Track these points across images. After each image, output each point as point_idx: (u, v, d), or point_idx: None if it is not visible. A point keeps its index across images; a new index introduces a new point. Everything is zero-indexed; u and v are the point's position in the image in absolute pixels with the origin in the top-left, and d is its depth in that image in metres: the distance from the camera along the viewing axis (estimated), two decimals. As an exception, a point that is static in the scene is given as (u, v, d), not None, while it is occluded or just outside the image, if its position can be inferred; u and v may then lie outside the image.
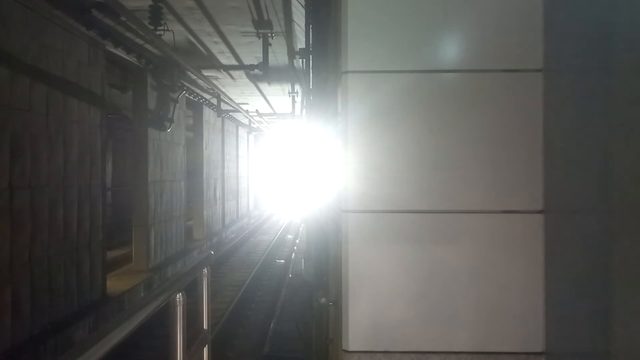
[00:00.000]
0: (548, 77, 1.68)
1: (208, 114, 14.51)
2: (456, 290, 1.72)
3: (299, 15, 6.49)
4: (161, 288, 1.76)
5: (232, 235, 16.94)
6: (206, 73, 9.69)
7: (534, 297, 1.70)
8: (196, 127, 14.10)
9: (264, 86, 12.18)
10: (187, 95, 11.49)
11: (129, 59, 8.08)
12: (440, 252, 1.73)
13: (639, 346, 1.21)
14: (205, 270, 2.34)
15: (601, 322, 1.33)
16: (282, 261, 13.14)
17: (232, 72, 10.20)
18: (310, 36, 4.36)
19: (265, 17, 6.90)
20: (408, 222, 1.73)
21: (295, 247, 14.21)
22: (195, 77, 9.68)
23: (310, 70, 4.84)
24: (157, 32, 6.59)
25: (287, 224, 21.55)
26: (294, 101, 12.66)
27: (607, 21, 1.33)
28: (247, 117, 16.42)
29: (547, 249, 1.68)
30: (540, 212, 1.70)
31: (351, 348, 1.74)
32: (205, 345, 2.29)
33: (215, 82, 11.06)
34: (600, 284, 1.34)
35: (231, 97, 12.84)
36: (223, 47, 8.51)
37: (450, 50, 1.73)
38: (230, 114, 16.21)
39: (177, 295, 1.82)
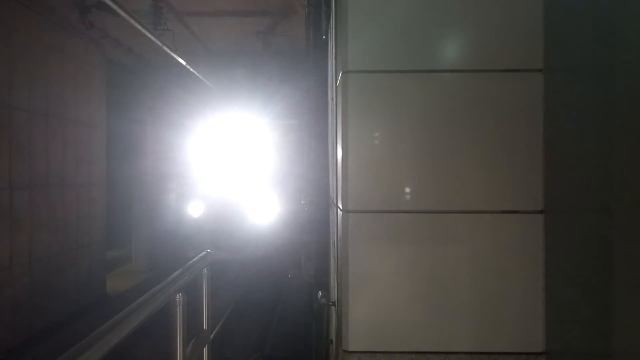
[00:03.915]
0: (548, 77, 1.68)
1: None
2: (456, 290, 1.72)
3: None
4: (161, 288, 1.76)
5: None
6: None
7: (534, 297, 1.70)
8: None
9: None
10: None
11: (128, 59, 8.07)
12: (440, 252, 1.73)
13: (639, 346, 1.21)
14: (205, 270, 2.34)
15: (601, 322, 1.33)
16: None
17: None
18: (311, 36, 4.35)
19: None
20: (408, 222, 1.73)
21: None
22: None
23: (311, 70, 4.84)
24: (157, 32, 6.58)
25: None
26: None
27: (607, 21, 1.33)
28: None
29: (547, 249, 1.68)
30: (540, 212, 1.70)
31: (351, 348, 1.73)
32: (205, 345, 2.29)
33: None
34: (600, 284, 1.34)
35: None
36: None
37: (451, 50, 1.73)
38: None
39: (177, 295, 1.82)
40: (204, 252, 2.52)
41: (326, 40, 3.35)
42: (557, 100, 1.63)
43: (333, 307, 2.44)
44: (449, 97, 1.73)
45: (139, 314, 1.46)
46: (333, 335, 2.40)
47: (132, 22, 5.81)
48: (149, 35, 6.35)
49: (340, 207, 1.83)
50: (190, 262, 2.22)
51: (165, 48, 6.89)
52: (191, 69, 8.12)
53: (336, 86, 2.13)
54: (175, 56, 7.34)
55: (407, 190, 1.73)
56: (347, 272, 1.75)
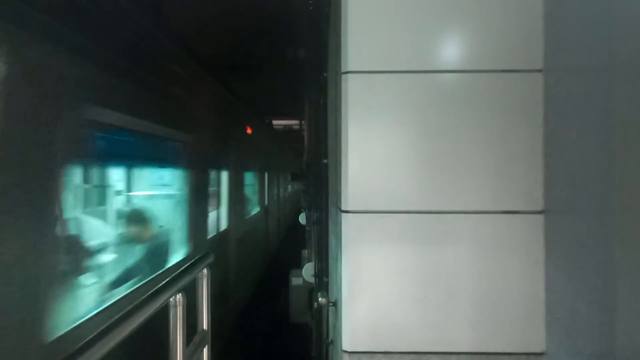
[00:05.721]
0: (548, 77, 1.68)
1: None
2: (456, 290, 1.72)
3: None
4: (161, 288, 1.76)
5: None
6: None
7: (534, 297, 1.70)
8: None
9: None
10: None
11: None
12: (440, 252, 1.72)
13: (639, 346, 1.21)
14: (205, 270, 2.34)
15: (601, 323, 1.33)
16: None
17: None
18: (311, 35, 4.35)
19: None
20: (408, 222, 1.73)
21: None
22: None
23: (310, 70, 4.84)
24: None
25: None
26: None
27: (607, 21, 1.33)
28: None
29: (548, 249, 1.68)
30: (540, 212, 1.70)
31: (351, 349, 1.73)
32: (205, 345, 2.29)
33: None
34: (600, 284, 1.34)
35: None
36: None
37: (451, 50, 1.73)
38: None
39: (177, 295, 1.81)
40: (204, 253, 2.52)
41: (326, 40, 3.35)
42: (557, 100, 1.63)
43: (333, 307, 2.44)
44: (449, 98, 1.73)
45: (139, 314, 1.46)
46: (333, 335, 2.40)
47: None
48: None
49: (340, 207, 1.83)
50: (190, 262, 2.22)
51: None
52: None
53: (336, 86, 2.13)
54: None
55: (407, 190, 1.73)
56: (347, 272, 1.75)
